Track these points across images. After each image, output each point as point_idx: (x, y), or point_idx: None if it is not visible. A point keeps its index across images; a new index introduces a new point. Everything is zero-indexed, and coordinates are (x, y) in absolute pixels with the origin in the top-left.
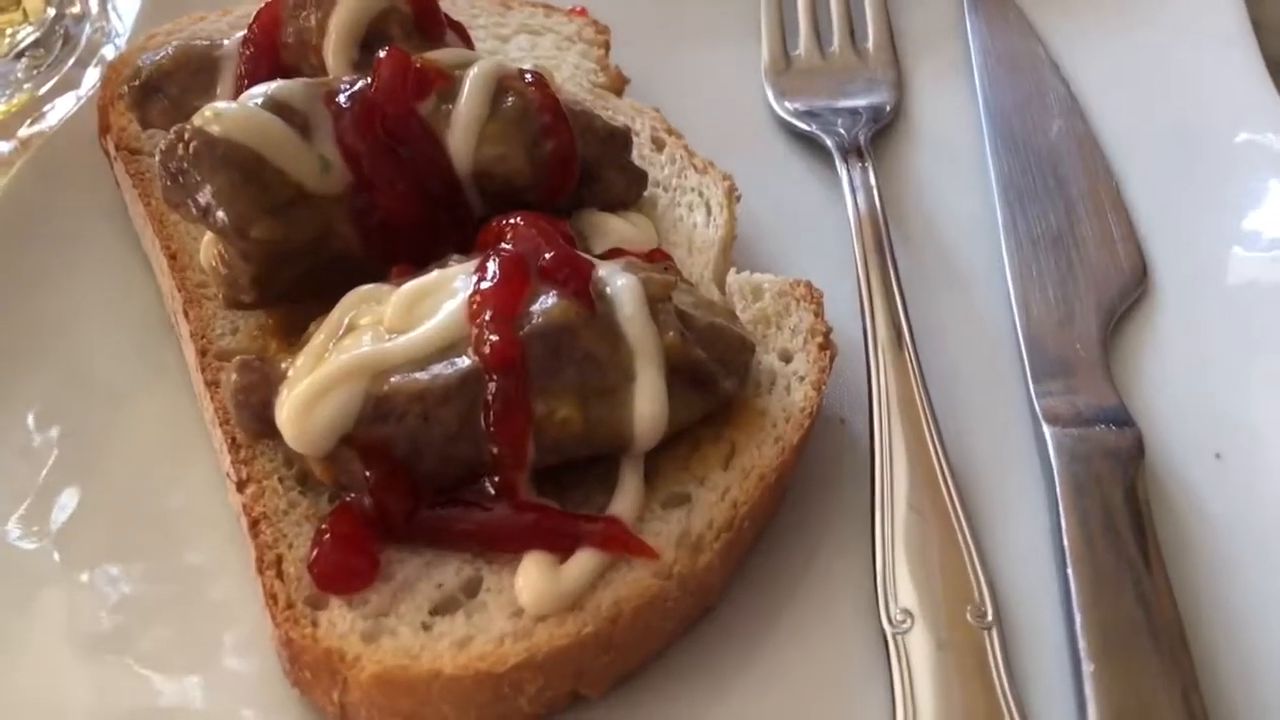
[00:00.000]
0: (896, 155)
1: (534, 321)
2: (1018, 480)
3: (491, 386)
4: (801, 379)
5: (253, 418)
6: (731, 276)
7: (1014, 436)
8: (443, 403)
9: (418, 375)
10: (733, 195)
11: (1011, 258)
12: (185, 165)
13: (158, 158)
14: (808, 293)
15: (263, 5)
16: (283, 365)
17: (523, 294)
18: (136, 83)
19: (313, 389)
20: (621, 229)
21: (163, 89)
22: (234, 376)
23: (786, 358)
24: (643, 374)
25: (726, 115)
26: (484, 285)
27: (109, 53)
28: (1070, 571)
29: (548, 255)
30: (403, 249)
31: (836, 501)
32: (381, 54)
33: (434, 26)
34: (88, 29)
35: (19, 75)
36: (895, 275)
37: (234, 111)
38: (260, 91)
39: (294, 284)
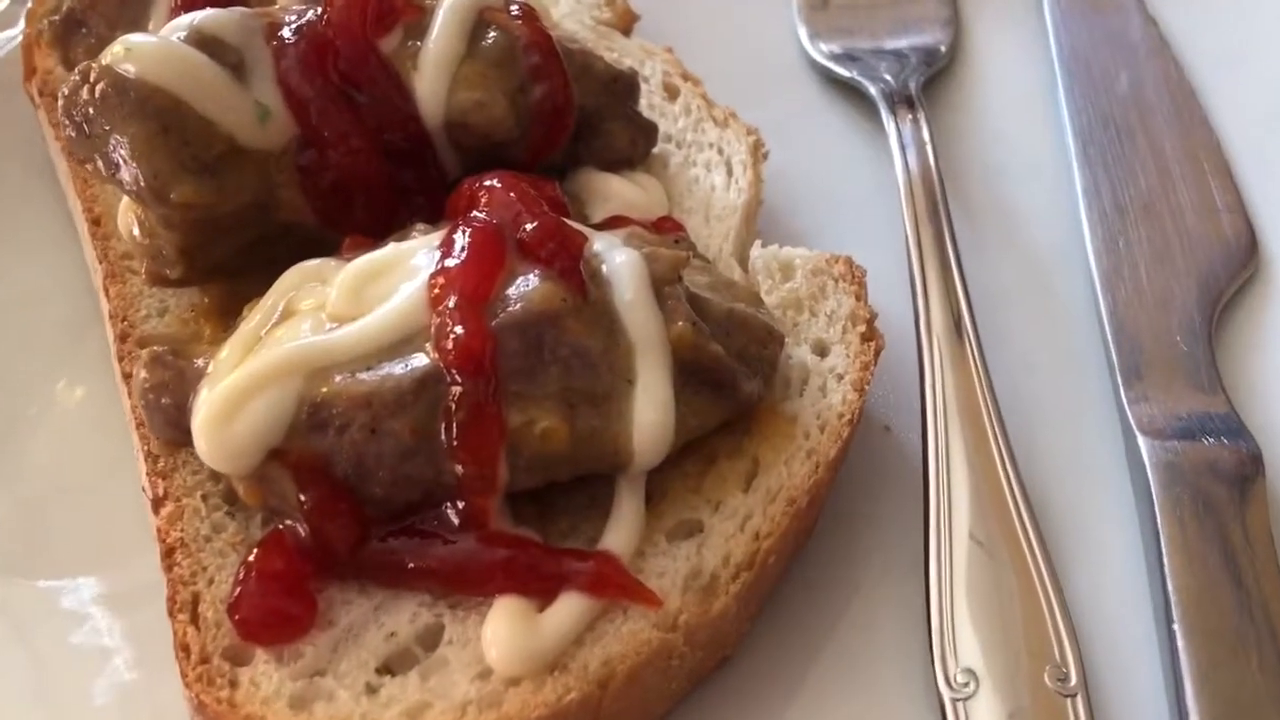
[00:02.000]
0: (952, 105)
1: (510, 309)
2: (1107, 506)
3: (455, 391)
4: (840, 378)
5: (166, 423)
6: (756, 251)
7: (1101, 451)
8: (395, 411)
9: (364, 376)
10: (759, 153)
11: (1093, 229)
12: (91, 112)
13: (60, 103)
14: (847, 271)
15: None
16: (202, 360)
17: (496, 274)
18: (57, 17)
19: (233, 391)
20: (624, 192)
21: (87, 23)
22: (143, 374)
23: (822, 351)
24: (645, 374)
25: (751, 58)
26: (449, 263)
27: None
28: (1176, 626)
29: (529, 226)
30: (360, 217)
31: (881, 529)
32: None
33: None
34: None
35: None
36: (954, 249)
37: (151, 47)
38: (185, 23)
39: (231, 257)
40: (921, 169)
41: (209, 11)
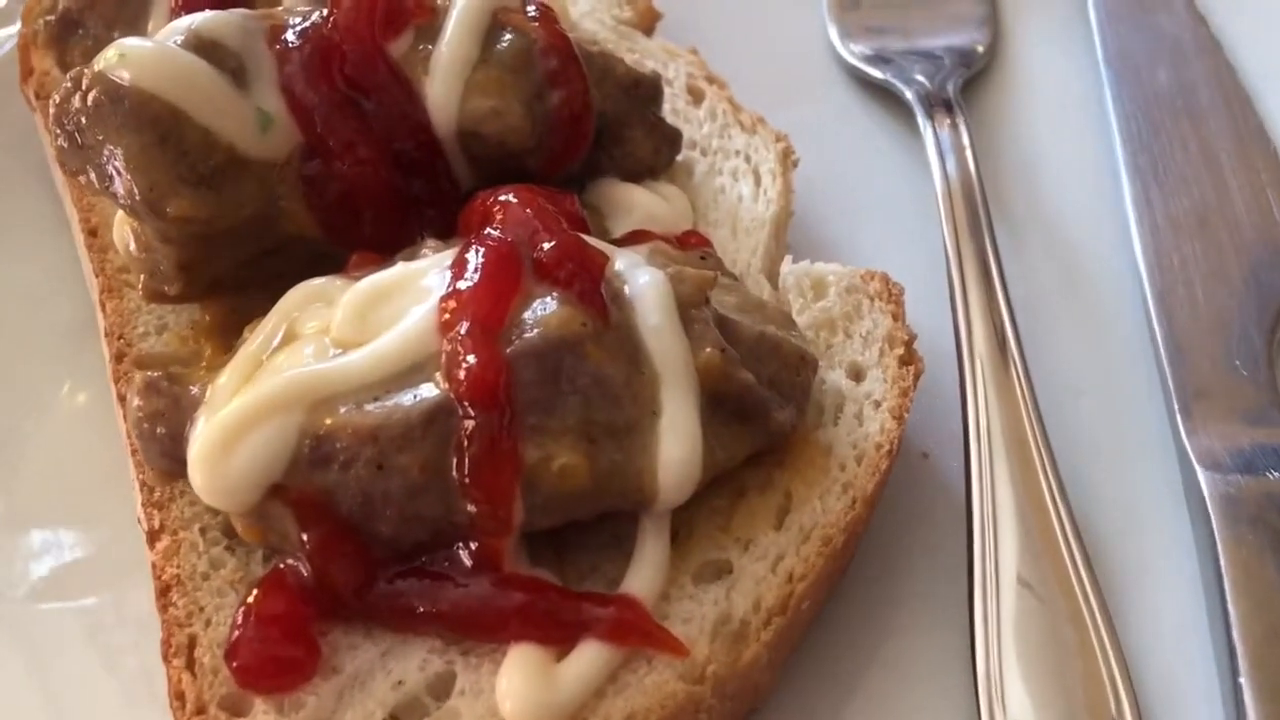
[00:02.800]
0: (992, 109)
1: (526, 335)
2: (1164, 545)
3: (467, 425)
4: (877, 405)
5: (161, 454)
6: (786, 267)
7: (1156, 484)
8: (403, 445)
9: (370, 407)
10: (789, 160)
11: (1145, 244)
12: (84, 121)
13: (51, 112)
14: (884, 288)
15: None
16: (196, 387)
17: (511, 297)
18: (52, 17)
19: (230, 423)
20: (647, 204)
21: (84, 24)
22: (136, 401)
23: (857, 375)
24: (671, 405)
25: (780, 59)
26: (461, 285)
27: None
28: (1243, 679)
29: (546, 245)
30: (367, 231)
31: (920, 565)
32: None
33: None
34: None
35: None
36: (996, 264)
37: (146, 52)
38: (183, 26)
39: (232, 272)
40: (961, 177)
41: (208, 14)
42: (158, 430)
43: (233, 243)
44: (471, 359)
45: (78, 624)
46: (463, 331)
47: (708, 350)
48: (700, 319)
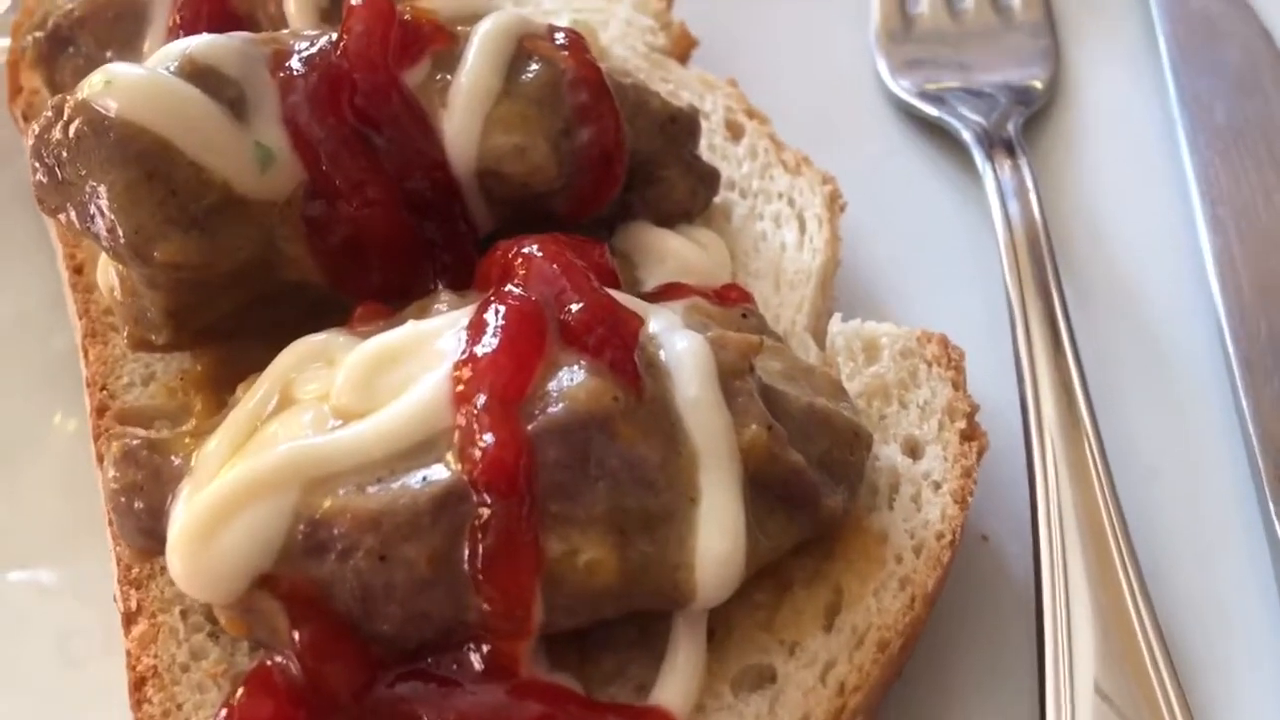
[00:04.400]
0: (1056, 150)
1: (550, 410)
2: (1258, 651)
3: (483, 512)
4: (937, 486)
5: (138, 530)
6: (835, 325)
7: (1246, 578)
8: (409, 534)
9: (373, 489)
10: (835, 205)
11: (1229, 308)
12: (64, 155)
13: (29, 143)
14: (942, 352)
15: None
16: (179, 457)
17: (534, 365)
18: (42, 34)
19: (216, 503)
20: (683, 252)
21: (75, 41)
22: (112, 472)
23: (914, 451)
24: (711, 491)
25: (824, 92)
26: (478, 350)
27: None
28: None
29: (575, 306)
30: (374, 278)
31: (981, 666)
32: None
33: None
34: None
35: None
36: (1067, 326)
37: (135, 80)
38: (178, 51)
39: (226, 318)
40: (1025, 225)
41: (206, 38)
42: (135, 505)
43: (227, 289)
44: (489, 438)
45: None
46: (479, 405)
47: (753, 427)
48: (744, 390)
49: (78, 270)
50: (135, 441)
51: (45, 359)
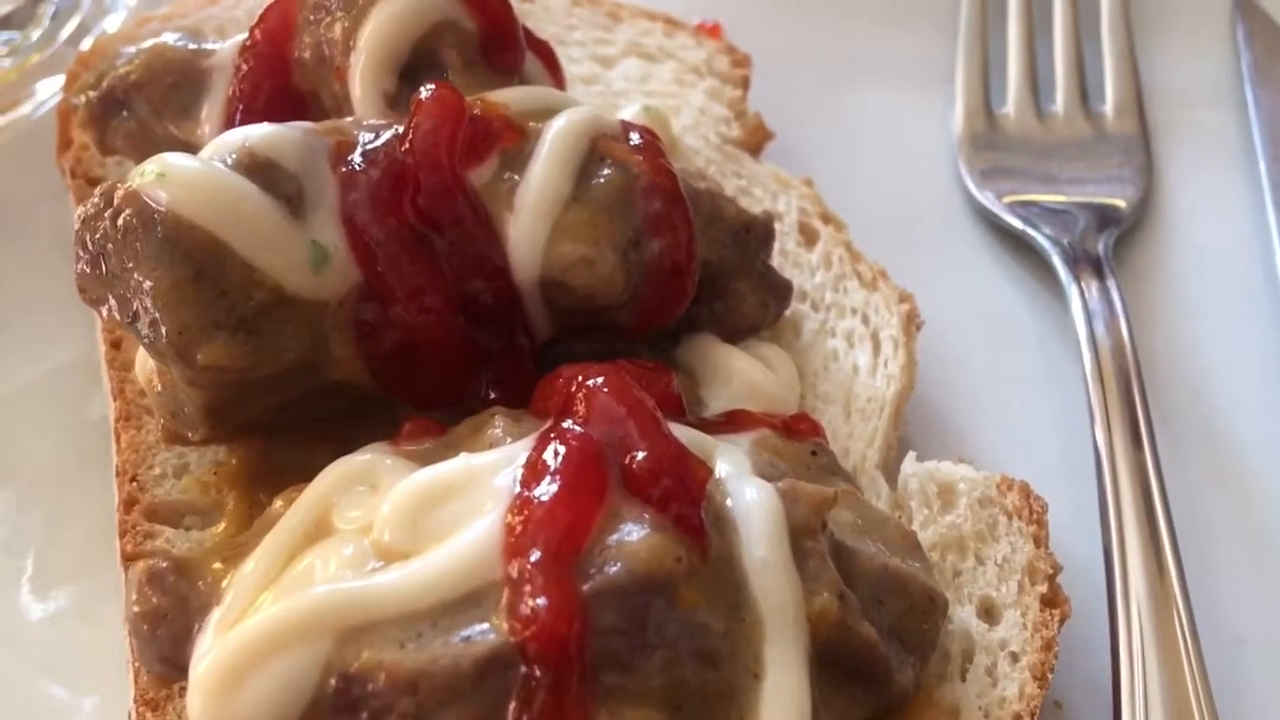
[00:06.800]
0: (1146, 274)
1: (607, 569)
2: None
3: (530, 681)
4: (1015, 658)
5: (159, 658)
6: (909, 465)
7: None
8: (447, 699)
9: (412, 646)
10: (913, 326)
11: None
12: (110, 247)
13: (75, 228)
14: (1024, 503)
15: (273, 0)
16: (207, 582)
17: (594, 516)
18: (95, 94)
19: (243, 649)
20: (750, 374)
21: (129, 104)
22: (134, 596)
23: (990, 614)
24: (776, 665)
25: (904, 196)
26: (535, 493)
27: (111, 25)
28: None
29: (640, 454)
30: (425, 385)
31: None
32: (424, 92)
33: (507, 51)
34: None
35: None
36: (1158, 477)
37: (190, 173)
38: (236, 142)
39: (266, 414)
40: (1114, 353)
41: (266, 129)
42: (158, 632)
43: (268, 388)
44: (541, 601)
45: None
46: (532, 560)
47: (824, 595)
48: (815, 551)
49: (115, 345)
50: (162, 565)
51: (77, 426)
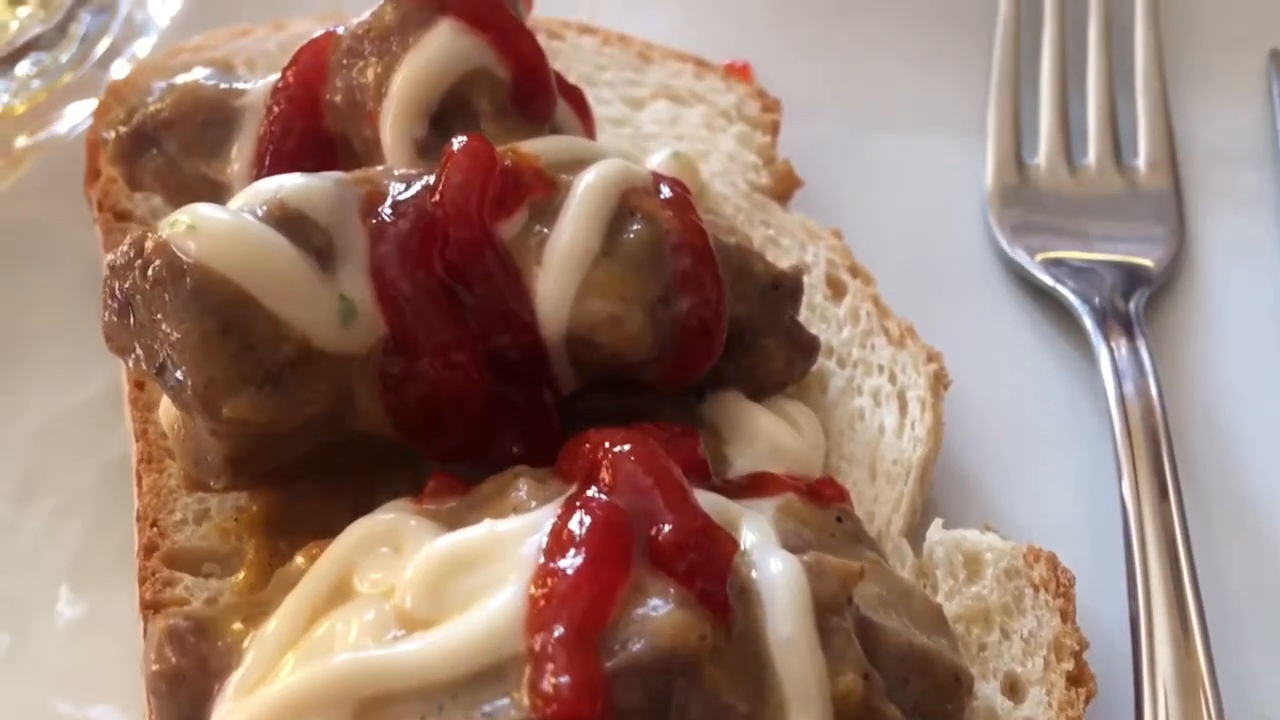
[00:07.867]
0: (1175, 334)
1: (631, 646)
2: None
3: None
4: None
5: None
6: (935, 533)
7: None
8: None
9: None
10: (940, 386)
11: None
12: (138, 298)
13: (104, 276)
14: (1050, 575)
15: (306, 42)
16: (227, 641)
17: (618, 590)
18: (125, 129)
19: (265, 718)
20: (776, 435)
21: (159, 143)
22: (152, 655)
23: (1015, 690)
24: None
25: (932, 249)
26: (558, 565)
27: (142, 48)
28: None
29: (667, 527)
30: (449, 439)
31: None
32: (455, 143)
33: (539, 99)
34: (118, 21)
35: (27, 73)
36: (1187, 553)
37: (220, 226)
38: (268, 193)
39: (289, 464)
40: (1144, 415)
41: (299, 181)
42: (178, 693)
43: (293, 440)
44: (565, 680)
45: None
46: (555, 636)
47: (849, 675)
48: (840, 629)
49: (139, 385)
50: (183, 624)
51: (98, 464)
